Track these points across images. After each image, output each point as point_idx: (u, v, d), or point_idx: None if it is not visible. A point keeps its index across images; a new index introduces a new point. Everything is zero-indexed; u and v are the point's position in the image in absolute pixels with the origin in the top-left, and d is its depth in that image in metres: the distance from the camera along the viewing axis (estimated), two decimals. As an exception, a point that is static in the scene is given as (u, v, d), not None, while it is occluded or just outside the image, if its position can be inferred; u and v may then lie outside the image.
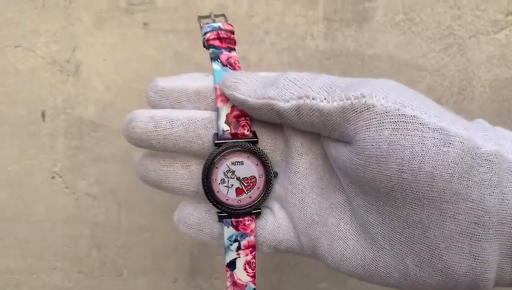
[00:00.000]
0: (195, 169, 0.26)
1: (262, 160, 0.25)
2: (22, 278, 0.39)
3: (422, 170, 0.20)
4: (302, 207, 0.26)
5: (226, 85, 0.25)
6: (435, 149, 0.20)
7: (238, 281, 0.26)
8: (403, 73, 0.39)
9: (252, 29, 0.38)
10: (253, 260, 0.26)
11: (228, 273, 0.26)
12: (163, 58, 0.38)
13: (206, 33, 0.27)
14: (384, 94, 0.21)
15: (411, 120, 0.21)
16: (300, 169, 0.26)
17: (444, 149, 0.21)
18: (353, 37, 0.39)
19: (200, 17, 0.28)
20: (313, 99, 0.23)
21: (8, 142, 0.38)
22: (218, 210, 0.25)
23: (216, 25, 0.27)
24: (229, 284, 0.26)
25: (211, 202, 0.25)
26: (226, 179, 0.25)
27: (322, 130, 0.23)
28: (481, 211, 0.21)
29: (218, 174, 0.25)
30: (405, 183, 0.21)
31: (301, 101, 0.23)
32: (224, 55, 0.26)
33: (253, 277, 0.26)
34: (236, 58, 0.26)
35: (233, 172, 0.25)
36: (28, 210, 0.39)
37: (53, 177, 0.39)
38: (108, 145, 0.38)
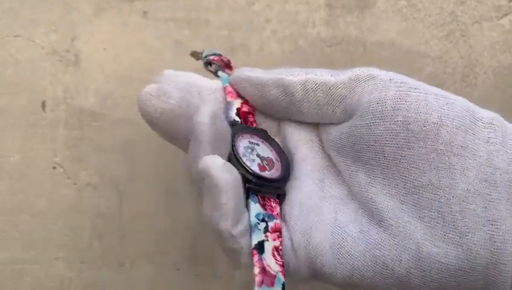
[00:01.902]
0: None
1: (278, 146, 0.26)
2: (25, 269, 0.40)
3: (428, 120, 0.21)
4: (295, 192, 0.25)
5: (241, 70, 0.26)
6: (439, 104, 0.21)
7: (267, 268, 0.22)
8: (405, 60, 0.38)
9: (252, 17, 0.38)
10: (281, 247, 0.23)
11: (256, 258, 0.22)
12: (163, 47, 0.38)
13: (207, 55, 0.28)
14: (386, 71, 0.23)
15: (413, 86, 0.22)
16: (294, 160, 0.26)
17: (447, 106, 0.21)
18: (355, 24, 0.38)
19: (194, 52, 0.30)
20: (320, 75, 0.24)
21: (8, 133, 0.38)
22: (247, 175, 0.23)
23: (217, 51, 0.29)
24: (257, 270, 0.22)
25: (240, 164, 0.24)
26: (247, 154, 0.25)
27: (325, 107, 0.24)
28: (490, 167, 0.21)
29: (241, 146, 0.25)
30: (411, 136, 0.21)
31: (308, 76, 0.24)
32: (228, 72, 0.28)
33: (282, 266, 0.23)
34: None
35: (252, 149, 0.25)
36: (29, 201, 0.39)
37: (54, 168, 0.39)
38: (109, 135, 0.38)
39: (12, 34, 0.37)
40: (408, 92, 0.22)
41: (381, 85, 0.22)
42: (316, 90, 0.24)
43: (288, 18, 0.38)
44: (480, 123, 0.21)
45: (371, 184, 0.23)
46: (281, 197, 0.25)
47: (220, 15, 0.38)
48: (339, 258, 0.23)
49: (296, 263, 0.24)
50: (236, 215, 0.22)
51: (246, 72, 0.26)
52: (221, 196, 0.21)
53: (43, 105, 0.38)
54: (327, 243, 0.23)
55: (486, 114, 0.22)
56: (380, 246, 0.22)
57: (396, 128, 0.21)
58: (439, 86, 0.38)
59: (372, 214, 0.23)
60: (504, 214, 0.20)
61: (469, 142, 0.21)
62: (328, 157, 0.26)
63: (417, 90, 0.22)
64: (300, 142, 0.26)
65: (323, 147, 0.26)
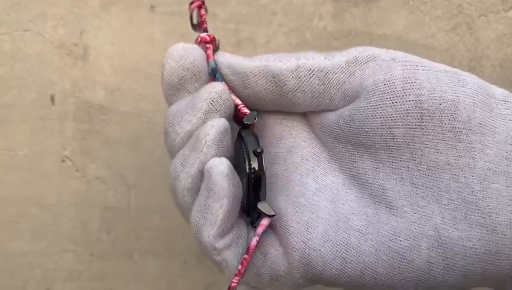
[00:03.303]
0: None
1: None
2: (35, 261, 0.40)
3: (444, 97, 0.19)
4: (286, 191, 0.22)
5: (221, 54, 0.23)
6: (451, 81, 0.20)
7: None
8: (411, 53, 0.38)
9: (259, 10, 0.38)
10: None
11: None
12: (170, 40, 0.38)
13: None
14: (386, 50, 0.21)
15: (419, 64, 0.20)
16: (280, 154, 0.23)
17: (459, 83, 0.20)
18: (361, 17, 0.38)
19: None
20: (312, 59, 0.21)
21: (17, 127, 0.38)
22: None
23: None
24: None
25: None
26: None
27: (322, 95, 0.22)
28: (510, 144, 0.19)
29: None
30: (426, 115, 0.20)
31: (300, 62, 0.21)
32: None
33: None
34: None
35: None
36: (38, 194, 0.39)
37: (63, 161, 0.39)
38: (117, 128, 0.39)
39: (21, 28, 0.38)
40: (416, 70, 0.20)
41: (385, 65, 0.20)
42: (311, 77, 0.21)
43: (294, 11, 0.38)
44: (494, 100, 0.20)
45: (378, 169, 0.21)
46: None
47: (226, 8, 0.38)
48: (345, 257, 0.20)
49: (289, 271, 0.22)
50: (224, 227, 0.20)
51: (228, 58, 0.22)
52: (214, 202, 0.20)
53: (52, 99, 0.38)
54: (329, 243, 0.21)
55: (498, 90, 0.21)
56: (394, 236, 0.20)
57: (408, 108, 0.20)
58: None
59: (380, 201, 0.21)
60: None
61: (487, 119, 0.20)
62: (317, 143, 0.23)
63: (425, 67, 0.20)
64: (284, 132, 0.23)
65: (310, 132, 0.23)
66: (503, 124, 0.20)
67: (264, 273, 0.22)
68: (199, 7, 0.24)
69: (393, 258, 0.20)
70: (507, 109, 0.20)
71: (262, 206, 0.21)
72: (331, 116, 0.22)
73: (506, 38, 0.38)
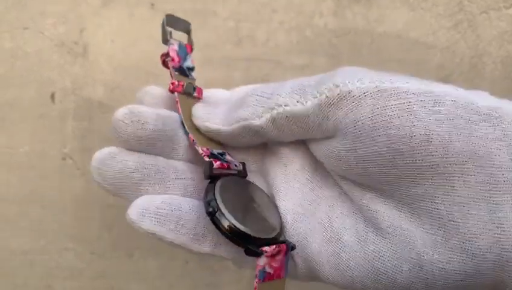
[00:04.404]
0: (182, 169, 0.24)
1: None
2: (36, 259, 0.40)
3: (414, 134, 0.18)
4: (285, 198, 0.24)
5: (197, 116, 0.24)
6: (424, 110, 0.18)
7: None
8: (412, 50, 0.38)
9: (259, 7, 0.38)
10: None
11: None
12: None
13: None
14: (358, 77, 0.20)
15: (392, 91, 0.19)
16: (281, 157, 0.24)
17: (434, 108, 0.18)
18: (362, 14, 0.38)
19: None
20: (285, 106, 0.21)
21: (18, 125, 0.38)
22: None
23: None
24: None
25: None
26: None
27: (304, 136, 0.22)
28: (491, 167, 0.18)
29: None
30: (398, 154, 0.19)
31: (274, 112, 0.21)
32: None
33: None
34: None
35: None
36: (39, 192, 0.39)
37: (63, 159, 0.39)
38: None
39: (21, 26, 0.38)
40: (386, 104, 0.19)
41: (355, 104, 0.19)
42: (289, 124, 0.21)
43: (295, 9, 0.38)
44: (476, 116, 0.19)
45: (365, 191, 0.21)
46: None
47: (226, 6, 0.38)
48: (337, 269, 0.22)
49: (292, 267, 0.23)
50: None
51: (204, 123, 0.23)
52: None
53: (52, 96, 0.38)
54: (324, 254, 0.22)
55: (483, 102, 0.19)
56: (379, 256, 0.21)
57: (379, 149, 0.19)
58: (447, 76, 0.38)
59: (369, 220, 0.22)
60: (510, 215, 0.19)
61: (466, 145, 0.18)
62: (316, 159, 0.24)
63: (397, 96, 0.19)
64: (283, 143, 0.24)
65: (303, 144, 0.24)
66: (484, 145, 0.19)
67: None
68: (163, 61, 0.27)
69: (377, 275, 0.21)
70: (490, 126, 0.19)
71: (248, 251, 0.21)
72: (319, 152, 0.22)
73: (508, 36, 0.38)
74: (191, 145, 0.24)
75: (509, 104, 0.20)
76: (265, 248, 0.21)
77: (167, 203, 0.22)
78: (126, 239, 0.40)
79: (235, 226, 0.21)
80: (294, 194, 0.24)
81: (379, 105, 0.19)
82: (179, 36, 0.28)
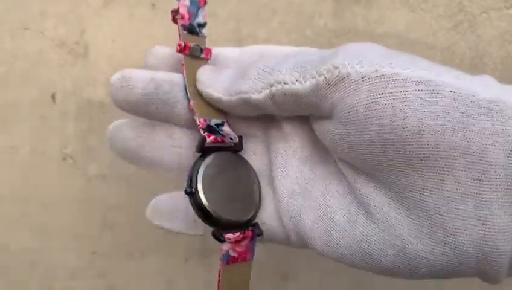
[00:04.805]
0: (179, 137, 0.25)
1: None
2: (36, 259, 0.40)
3: (407, 125, 0.18)
4: (282, 178, 0.24)
5: (200, 81, 0.24)
6: (420, 101, 0.18)
7: None
8: (412, 51, 0.38)
9: (259, 8, 0.38)
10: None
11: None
12: (171, 38, 0.38)
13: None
14: (359, 59, 0.19)
15: (391, 78, 0.19)
16: (283, 131, 0.25)
17: (430, 100, 0.18)
18: (362, 15, 0.38)
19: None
20: (284, 83, 0.21)
21: (19, 125, 0.39)
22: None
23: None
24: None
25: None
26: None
27: (303, 113, 0.22)
28: (484, 164, 0.18)
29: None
30: (389, 144, 0.19)
31: (273, 89, 0.21)
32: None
33: None
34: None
35: None
36: (40, 192, 0.39)
37: (64, 159, 0.39)
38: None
39: (22, 26, 0.38)
40: (383, 91, 0.19)
41: (352, 88, 0.19)
42: (287, 101, 0.21)
43: (295, 9, 0.38)
44: (475, 110, 0.18)
45: (358, 174, 0.22)
46: None
47: (227, 7, 0.38)
48: (328, 245, 0.22)
49: (283, 232, 0.24)
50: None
51: (206, 89, 0.24)
52: None
53: (53, 97, 0.38)
54: (316, 230, 0.23)
55: (485, 94, 0.18)
56: (366, 239, 0.21)
57: (371, 138, 0.19)
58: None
59: (361, 202, 0.22)
60: (498, 212, 0.18)
61: (459, 140, 0.18)
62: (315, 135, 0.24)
63: (395, 84, 0.19)
64: (287, 118, 0.24)
65: (307, 120, 0.24)
66: (479, 141, 0.18)
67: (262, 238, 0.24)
68: (173, 18, 0.26)
69: (364, 256, 0.21)
70: (488, 120, 0.18)
71: (214, 233, 0.23)
72: (317, 128, 0.23)
73: (508, 36, 0.38)
74: (191, 112, 0.24)
75: None
76: (228, 235, 0.22)
77: (167, 200, 0.26)
78: (126, 239, 0.40)
79: (206, 208, 0.22)
80: (292, 172, 0.24)
81: (375, 92, 0.19)
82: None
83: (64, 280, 0.40)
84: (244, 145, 0.25)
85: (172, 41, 0.38)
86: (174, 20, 0.25)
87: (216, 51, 0.26)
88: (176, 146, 0.25)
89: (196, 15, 0.25)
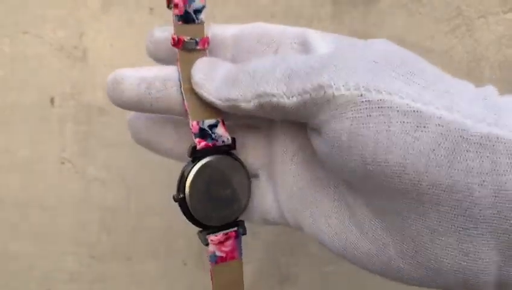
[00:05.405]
0: (185, 131, 0.25)
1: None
2: (35, 263, 0.40)
3: (389, 161, 0.18)
4: (282, 176, 0.24)
5: (194, 80, 0.23)
6: (404, 136, 0.17)
7: None
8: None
9: (258, 11, 0.38)
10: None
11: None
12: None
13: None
14: (345, 80, 0.19)
15: (376, 105, 0.18)
16: (280, 136, 0.24)
17: (415, 135, 0.17)
18: (360, 19, 0.38)
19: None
20: (272, 96, 0.21)
21: (17, 128, 0.39)
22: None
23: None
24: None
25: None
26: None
27: (295, 121, 0.22)
28: (469, 203, 0.17)
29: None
30: (371, 175, 0.19)
31: (262, 100, 0.21)
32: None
33: None
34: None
35: None
36: (38, 195, 0.39)
37: (62, 163, 0.39)
38: (116, 129, 0.39)
39: (21, 30, 0.38)
40: (367, 121, 0.18)
41: (338, 111, 0.19)
42: (276, 112, 0.21)
43: (294, 13, 0.38)
44: (463, 146, 0.17)
45: (347, 189, 0.22)
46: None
47: (225, 10, 0.38)
48: (323, 243, 0.23)
49: (283, 220, 0.25)
50: None
51: (199, 90, 0.23)
52: None
53: (52, 101, 0.39)
54: (313, 228, 0.23)
55: (477, 128, 0.17)
56: (357, 247, 0.21)
57: (354, 166, 0.19)
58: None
59: (354, 214, 0.22)
60: (481, 247, 0.18)
61: (442, 178, 0.17)
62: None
63: (379, 112, 0.18)
64: (277, 123, 0.24)
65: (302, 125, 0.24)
66: (463, 180, 0.17)
67: (269, 220, 0.25)
68: (168, 5, 0.24)
69: (353, 259, 0.22)
70: (477, 157, 0.17)
71: (199, 235, 0.24)
72: (309, 137, 0.23)
73: (506, 40, 0.38)
74: (185, 114, 0.24)
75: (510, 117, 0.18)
76: (212, 237, 0.24)
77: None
78: (125, 243, 0.40)
79: (191, 215, 0.24)
80: (290, 175, 0.24)
81: (359, 121, 0.18)
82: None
83: (63, 283, 0.40)
84: (244, 139, 0.25)
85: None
86: (170, 8, 0.24)
87: (214, 31, 0.25)
88: (181, 140, 0.25)
89: (192, 0, 0.24)
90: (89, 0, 0.38)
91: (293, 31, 0.24)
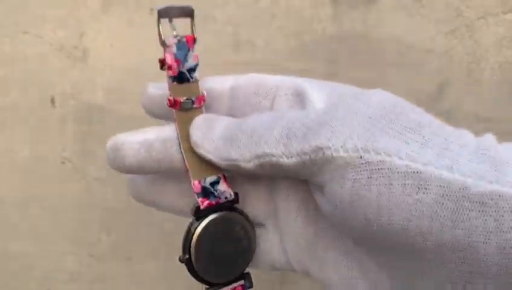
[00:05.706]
0: (186, 187, 0.24)
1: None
2: (34, 262, 0.40)
3: (392, 223, 0.18)
4: (287, 227, 0.24)
5: (193, 140, 0.23)
6: (405, 198, 0.18)
7: None
8: (410, 56, 0.38)
9: (258, 12, 0.38)
10: None
11: None
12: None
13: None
14: (342, 141, 0.19)
15: (376, 167, 0.18)
16: (282, 190, 0.25)
17: (416, 197, 0.17)
18: (360, 20, 0.38)
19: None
20: (272, 156, 0.21)
21: (18, 128, 0.39)
22: None
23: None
24: None
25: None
26: None
27: (296, 178, 0.22)
28: (475, 259, 0.17)
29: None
30: (375, 236, 0.19)
31: (262, 160, 0.21)
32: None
33: None
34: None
35: None
36: (39, 195, 0.39)
37: (63, 163, 0.39)
38: (116, 129, 0.38)
39: (21, 30, 0.38)
40: (368, 182, 0.18)
41: (338, 173, 0.19)
42: (277, 172, 0.21)
43: (294, 14, 0.38)
44: (466, 205, 0.17)
45: (353, 242, 0.22)
46: None
47: (225, 11, 0.38)
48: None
49: (290, 267, 0.25)
50: None
51: (198, 150, 0.23)
52: None
53: (52, 100, 0.39)
54: (319, 277, 0.24)
55: (478, 186, 0.17)
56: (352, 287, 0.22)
57: (357, 225, 0.19)
58: (445, 82, 0.39)
59: (360, 263, 0.22)
60: None
61: (446, 238, 0.17)
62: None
63: (380, 174, 0.18)
64: (278, 178, 0.25)
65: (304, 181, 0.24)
66: (469, 239, 0.17)
67: (277, 267, 0.25)
68: (162, 67, 0.24)
69: None
70: (480, 216, 0.17)
71: None
72: (312, 192, 0.23)
73: (506, 41, 0.38)
74: (186, 173, 0.24)
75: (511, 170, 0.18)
76: None
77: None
78: (125, 242, 0.40)
79: (198, 275, 0.24)
80: (296, 228, 0.24)
81: (360, 182, 0.18)
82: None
83: (63, 283, 0.40)
84: (247, 191, 0.25)
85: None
86: (163, 69, 0.24)
87: (208, 84, 0.25)
88: (183, 195, 0.25)
89: (185, 60, 0.24)
90: (89, 0, 0.38)
91: (289, 82, 0.24)
